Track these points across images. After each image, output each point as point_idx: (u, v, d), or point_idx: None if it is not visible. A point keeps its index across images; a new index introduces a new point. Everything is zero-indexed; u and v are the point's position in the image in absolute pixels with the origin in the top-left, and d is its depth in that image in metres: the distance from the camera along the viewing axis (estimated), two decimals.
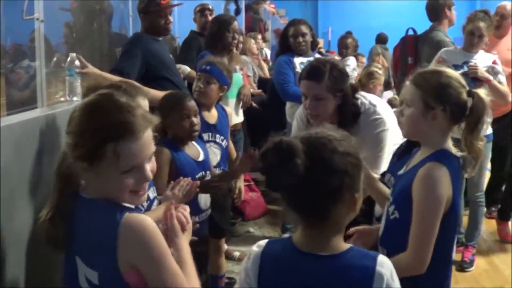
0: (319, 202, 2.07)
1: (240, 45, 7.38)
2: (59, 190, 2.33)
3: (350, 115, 3.81)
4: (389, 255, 2.76)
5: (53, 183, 2.34)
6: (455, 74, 2.92)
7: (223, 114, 4.91)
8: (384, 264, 2.10)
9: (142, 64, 4.98)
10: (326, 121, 3.76)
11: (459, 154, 2.87)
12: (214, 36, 6.17)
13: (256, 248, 2.21)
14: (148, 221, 2.21)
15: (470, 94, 2.80)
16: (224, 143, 4.83)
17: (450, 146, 2.87)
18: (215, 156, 4.72)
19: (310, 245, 2.13)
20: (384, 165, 3.86)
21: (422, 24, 6.97)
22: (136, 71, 4.90)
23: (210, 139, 4.72)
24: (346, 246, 2.14)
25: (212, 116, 4.81)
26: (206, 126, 4.67)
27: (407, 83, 2.93)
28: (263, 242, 2.23)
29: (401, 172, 3.00)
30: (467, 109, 2.79)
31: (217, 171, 4.66)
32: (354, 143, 2.13)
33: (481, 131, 2.84)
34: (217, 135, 4.77)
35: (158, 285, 2.18)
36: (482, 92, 2.85)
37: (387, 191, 3.23)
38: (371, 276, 2.06)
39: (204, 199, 4.17)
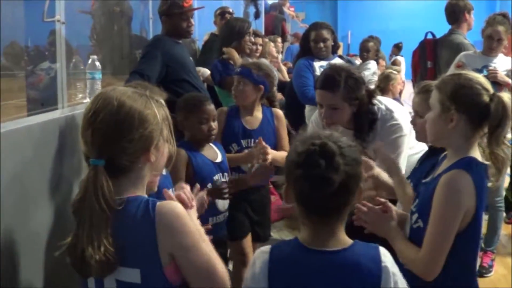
0: (350, 196, 2.20)
1: (260, 48, 7.39)
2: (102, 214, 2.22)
3: (367, 122, 3.79)
4: None
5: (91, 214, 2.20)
6: (478, 77, 2.82)
7: (268, 118, 4.79)
8: (386, 254, 2.24)
9: (162, 66, 4.99)
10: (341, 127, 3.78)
11: (486, 162, 2.76)
12: (229, 39, 6.15)
13: (261, 254, 2.26)
14: (179, 206, 2.26)
15: (490, 97, 2.70)
16: None
17: (477, 153, 2.77)
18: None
19: (319, 243, 2.21)
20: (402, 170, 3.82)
21: (442, 27, 6.94)
22: (156, 73, 4.91)
23: (249, 145, 4.64)
24: (350, 240, 2.24)
25: (254, 120, 4.73)
26: (245, 132, 4.65)
27: (433, 89, 2.87)
28: (266, 248, 2.27)
29: (427, 180, 2.91)
30: (488, 113, 2.68)
31: None
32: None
33: (502, 137, 2.73)
34: (257, 141, 4.60)
35: (191, 270, 2.22)
36: (505, 95, 2.73)
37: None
38: (379, 263, 2.18)
39: (222, 201, 4.15)
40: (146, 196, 2.31)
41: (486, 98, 2.70)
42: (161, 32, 5.41)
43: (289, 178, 2.22)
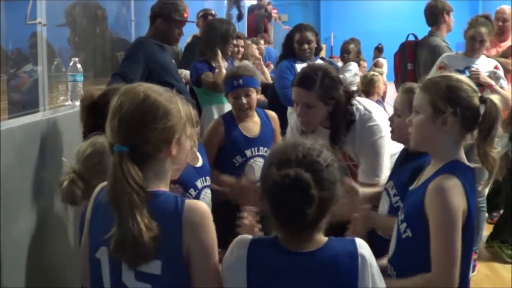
0: (323, 214, 2.20)
1: (242, 50, 7.39)
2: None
3: (344, 122, 3.79)
4: (398, 275, 2.77)
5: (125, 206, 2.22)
6: (466, 79, 2.82)
7: (266, 121, 4.69)
8: (364, 246, 2.24)
9: (145, 69, 4.96)
10: (317, 126, 3.77)
11: (472, 165, 2.74)
12: (210, 42, 6.14)
13: (239, 246, 2.27)
14: (206, 206, 2.31)
15: (482, 99, 2.70)
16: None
17: (463, 156, 2.74)
18: (260, 170, 4.55)
19: (295, 245, 2.22)
20: (386, 172, 3.80)
21: (424, 29, 6.97)
22: (138, 76, 4.85)
23: (254, 154, 4.54)
24: (325, 238, 2.25)
25: (253, 126, 4.61)
26: (247, 142, 4.53)
27: (418, 91, 2.84)
28: (246, 240, 2.28)
29: (412, 187, 2.88)
30: (479, 115, 2.68)
31: None
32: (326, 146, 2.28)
33: (495, 138, 2.74)
34: (261, 148, 4.56)
35: (200, 272, 2.25)
36: (495, 97, 2.73)
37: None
38: (356, 259, 2.19)
39: (207, 203, 4.11)
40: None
41: (477, 101, 2.70)
42: (147, 33, 5.38)
43: (265, 196, 2.24)
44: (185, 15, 5.32)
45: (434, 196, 2.62)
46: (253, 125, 4.62)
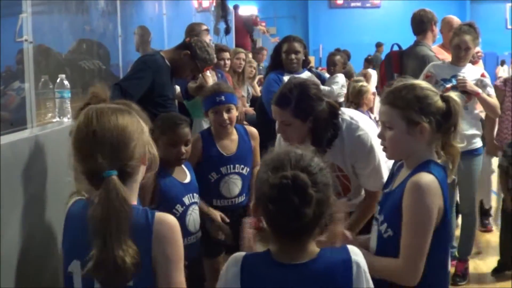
0: (320, 217, 2.23)
1: (228, 62, 7.39)
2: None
3: (326, 137, 3.78)
4: None
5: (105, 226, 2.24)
6: (426, 83, 2.95)
7: (245, 138, 4.77)
8: (358, 253, 2.29)
9: (148, 88, 4.93)
10: (301, 142, 3.76)
11: (440, 162, 2.86)
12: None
13: (233, 263, 2.30)
14: (175, 220, 2.36)
15: (444, 99, 2.82)
16: (245, 171, 4.69)
17: (435, 155, 2.86)
18: (236, 186, 4.65)
19: (288, 257, 2.25)
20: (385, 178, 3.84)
21: (411, 40, 6.99)
22: (139, 94, 4.80)
23: (229, 171, 4.63)
24: (317, 249, 2.29)
25: (230, 144, 4.69)
26: (223, 160, 4.61)
27: (383, 105, 2.92)
28: (238, 257, 2.31)
29: (387, 190, 2.98)
30: (449, 114, 2.80)
31: (240, 199, 4.66)
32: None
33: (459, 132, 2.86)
34: (237, 165, 4.65)
35: (165, 284, 2.28)
36: (453, 94, 2.86)
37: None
38: (350, 267, 2.23)
39: (193, 222, 4.15)
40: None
41: (441, 102, 2.81)
42: (168, 51, 5.35)
43: (260, 203, 2.27)
44: (205, 69, 5.33)
45: (411, 193, 2.71)
46: (230, 143, 4.69)
